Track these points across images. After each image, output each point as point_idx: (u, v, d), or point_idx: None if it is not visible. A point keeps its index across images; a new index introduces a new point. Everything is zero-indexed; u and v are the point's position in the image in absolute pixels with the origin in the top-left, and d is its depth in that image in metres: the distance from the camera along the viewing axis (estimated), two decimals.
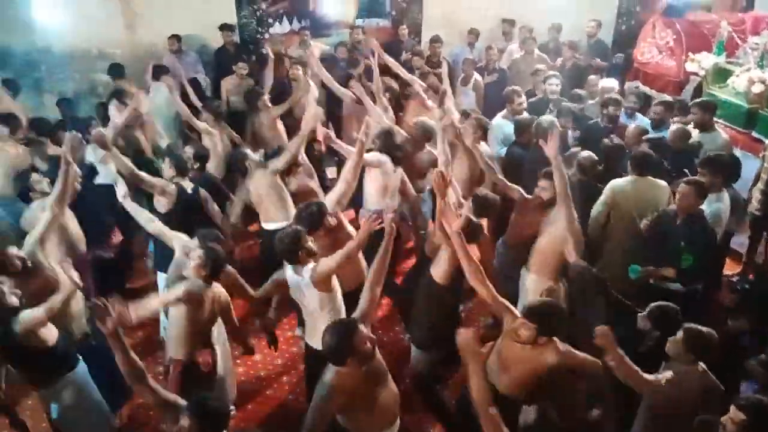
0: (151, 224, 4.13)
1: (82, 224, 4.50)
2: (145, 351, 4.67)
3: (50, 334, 3.43)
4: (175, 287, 3.55)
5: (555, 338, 3.14)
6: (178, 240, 4.01)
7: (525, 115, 5.65)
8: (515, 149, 5.39)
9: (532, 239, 4.29)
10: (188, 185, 4.67)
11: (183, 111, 5.92)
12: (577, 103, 6.09)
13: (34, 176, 4.50)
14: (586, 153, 4.77)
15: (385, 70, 6.84)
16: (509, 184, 4.61)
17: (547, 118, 5.35)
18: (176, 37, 7.44)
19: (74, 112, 6.67)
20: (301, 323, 4.77)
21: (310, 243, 3.54)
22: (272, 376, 4.75)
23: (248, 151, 5.01)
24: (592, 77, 6.80)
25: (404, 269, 5.43)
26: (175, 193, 4.53)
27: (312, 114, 4.84)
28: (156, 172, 4.92)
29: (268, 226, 4.86)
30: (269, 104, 6.12)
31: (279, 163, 4.79)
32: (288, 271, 3.63)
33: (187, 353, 3.52)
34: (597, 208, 4.53)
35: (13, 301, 3.32)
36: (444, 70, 6.53)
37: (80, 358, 3.68)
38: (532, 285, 4.22)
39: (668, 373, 3.03)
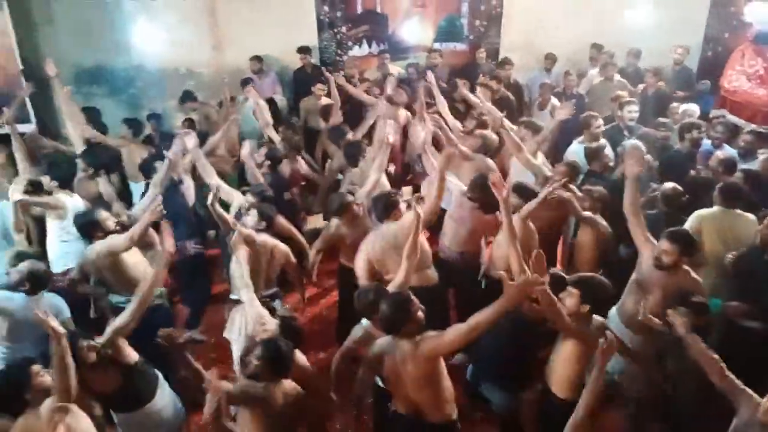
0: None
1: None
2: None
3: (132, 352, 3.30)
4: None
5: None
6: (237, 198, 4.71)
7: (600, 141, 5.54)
8: (591, 179, 5.22)
9: None
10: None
11: (262, 120, 6.31)
12: (661, 130, 5.91)
13: (102, 213, 4.17)
14: (671, 184, 4.60)
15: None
16: None
17: (630, 141, 5.25)
18: (257, 58, 7.78)
19: (163, 127, 7.06)
20: None
21: (420, 314, 2.99)
22: None
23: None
24: (673, 104, 6.59)
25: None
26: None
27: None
28: None
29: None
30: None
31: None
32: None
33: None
34: None
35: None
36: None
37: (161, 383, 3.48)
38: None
39: None
